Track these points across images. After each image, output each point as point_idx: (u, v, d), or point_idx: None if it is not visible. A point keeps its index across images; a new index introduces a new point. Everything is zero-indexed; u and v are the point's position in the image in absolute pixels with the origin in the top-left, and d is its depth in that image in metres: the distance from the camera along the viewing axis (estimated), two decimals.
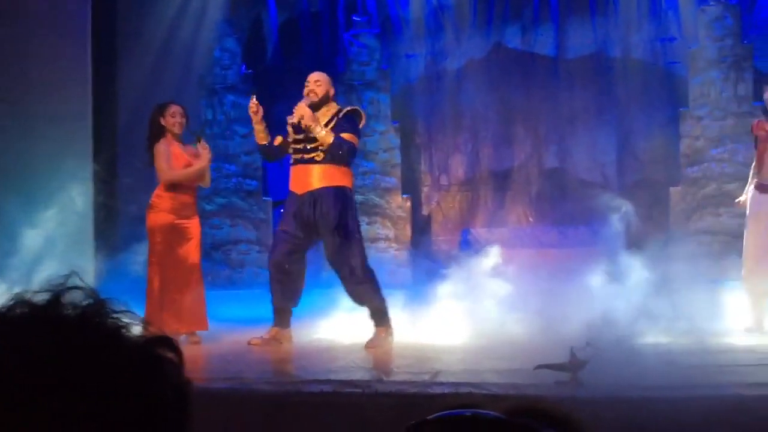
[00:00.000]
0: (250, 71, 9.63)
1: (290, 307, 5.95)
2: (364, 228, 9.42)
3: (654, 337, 5.63)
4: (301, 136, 5.81)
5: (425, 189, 10.03)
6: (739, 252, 6.59)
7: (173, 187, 5.97)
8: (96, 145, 8.08)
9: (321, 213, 5.74)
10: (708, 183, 8.84)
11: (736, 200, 6.22)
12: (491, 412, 0.83)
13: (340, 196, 5.84)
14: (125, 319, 0.84)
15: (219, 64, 9.52)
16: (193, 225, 6.09)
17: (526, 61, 9.80)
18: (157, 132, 6.04)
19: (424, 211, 9.94)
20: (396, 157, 9.70)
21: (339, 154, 5.81)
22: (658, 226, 8.52)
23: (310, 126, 5.72)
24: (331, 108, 5.92)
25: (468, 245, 9.30)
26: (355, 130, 5.92)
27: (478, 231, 9.48)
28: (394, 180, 9.69)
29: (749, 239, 5.95)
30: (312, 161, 5.79)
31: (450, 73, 9.91)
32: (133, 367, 0.80)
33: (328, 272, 8.48)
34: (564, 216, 9.39)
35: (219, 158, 9.52)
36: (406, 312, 6.49)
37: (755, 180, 5.94)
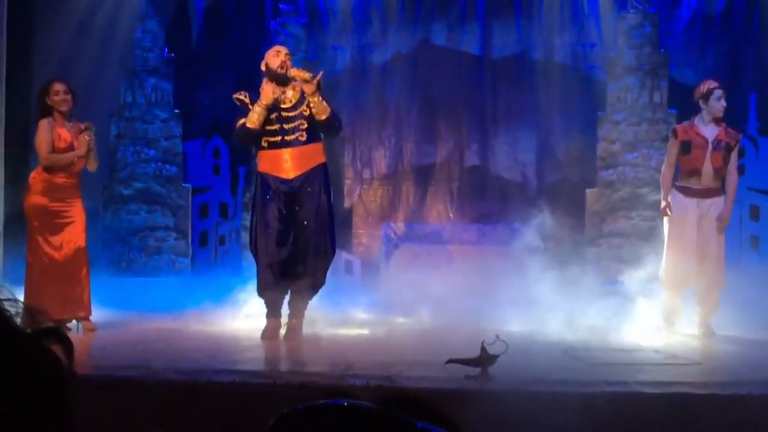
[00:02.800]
0: (172, 54, 9.44)
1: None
2: None
3: (564, 334, 5.77)
4: (274, 116, 5.46)
5: (348, 182, 10.02)
6: (650, 254, 6.79)
7: (48, 169, 5.83)
8: (8, 127, 7.82)
9: (308, 193, 5.50)
10: (622, 186, 9.08)
11: (662, 206, 6.26)
12: (362, 402, 0.83)
13: (325, 174, 5.67)
14: (11, 308, 0.81)
15: (140, 46, 9.29)
16: (73, 208, 5.86)
17: (451, 58, 9.88)
18: (43, 112, 5.87)
19: (346, 204, 9.94)
20: None
21: (336, 127, 5.63)
22: (574, 227, 8.71)
23: (315, 97, 5.39)
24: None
25: (388, 239, 9.34)
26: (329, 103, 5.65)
27: (398, 226, 9.53)
28: None
29: (670, 241, 6.12)
30: (296, 143, 5.47)
31: (376, 67, 9.92)
32: (13, 357, 0.78)
33: (247, 262, 8.39)
34: (483, 214, 9.52)
35: (138, 142, 9.32)
36: (322, 304, 6.49)
37: (679, 183, 6.12)
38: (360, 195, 9.96)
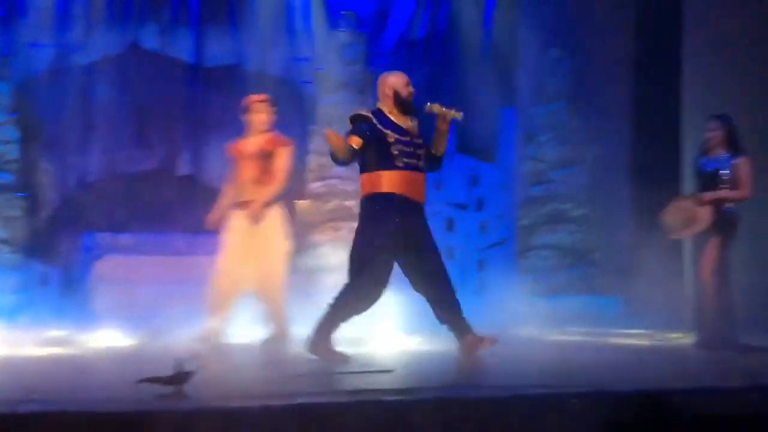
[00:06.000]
0: None
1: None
2: None
3: (272, 346, 5.77)
4: (408, 138, 5.34)
5: (46, 188, 9.36)
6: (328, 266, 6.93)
7: None
8: None
9: (421, 224, 5.36)
10: (331, 198, 9.37)
11: (209, 217, 6.26)
12: None
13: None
14: None
15: None
16: None
17: (163, 63, 9.62)
18: None
19: (44, 212, 9.27)
20: (14, 152, 8.92)
21: (441, 164, 5.57)
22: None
23: (447, 135, 5.40)
24: None
25: (88, 250, 8.85)
26: None
27: (103, 235, 9.05)
28: (10, 176, 8.89)
29: (221, 254, 6.08)
30: (422, 170, 5.40)
31: (81, 68, 9.38)
32: None
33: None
34: (193, 223, 9.34)
35: None
36: (9, 321, 5.98)
37: (238, 199, 6.19)
38: (61, 202, 9.36)
